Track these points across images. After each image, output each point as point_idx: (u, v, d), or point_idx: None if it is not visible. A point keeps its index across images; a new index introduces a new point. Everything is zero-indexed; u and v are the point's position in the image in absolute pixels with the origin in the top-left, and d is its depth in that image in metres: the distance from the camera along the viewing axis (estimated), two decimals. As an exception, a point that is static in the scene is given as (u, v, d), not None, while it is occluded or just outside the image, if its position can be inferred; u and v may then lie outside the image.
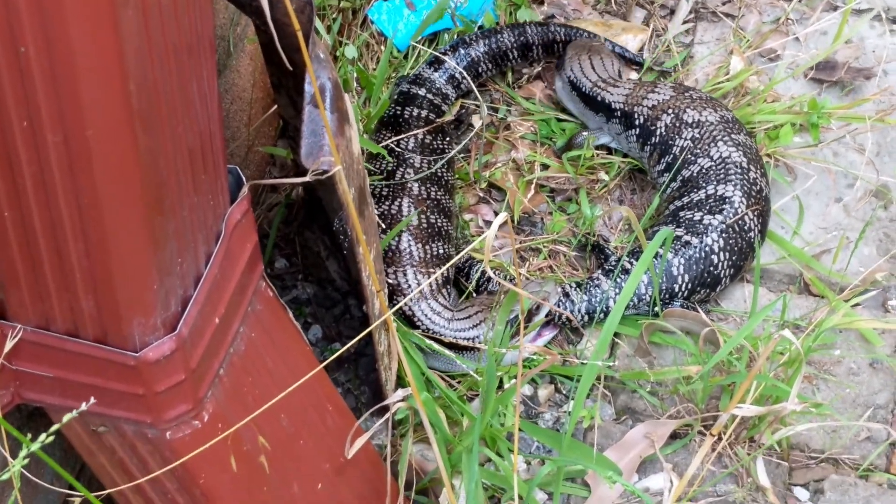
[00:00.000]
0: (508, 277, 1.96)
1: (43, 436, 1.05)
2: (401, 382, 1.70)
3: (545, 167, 2.16)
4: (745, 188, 1.92)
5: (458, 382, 1.83)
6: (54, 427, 1.06)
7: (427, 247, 1.86)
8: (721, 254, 1.89)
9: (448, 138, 2.10)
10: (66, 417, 1.07)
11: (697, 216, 1.91)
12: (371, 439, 1.48)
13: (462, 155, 2.15)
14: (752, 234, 1.92)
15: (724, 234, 1.89)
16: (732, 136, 1.98)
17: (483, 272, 1.92)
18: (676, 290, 1.88)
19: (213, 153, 1.12)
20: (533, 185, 2.13)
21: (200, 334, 1.16)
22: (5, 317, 1.10)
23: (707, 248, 1.88)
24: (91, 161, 0.94)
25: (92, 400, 1.09)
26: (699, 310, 1.87)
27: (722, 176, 1.94)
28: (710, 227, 1.89)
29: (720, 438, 1.70)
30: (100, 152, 0.93)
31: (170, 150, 1.01)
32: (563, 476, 1.45)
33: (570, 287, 1.89)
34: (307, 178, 1.24)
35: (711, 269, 1.89)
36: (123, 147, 0.95)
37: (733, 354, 1.75)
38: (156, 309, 1.08)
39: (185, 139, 1.04)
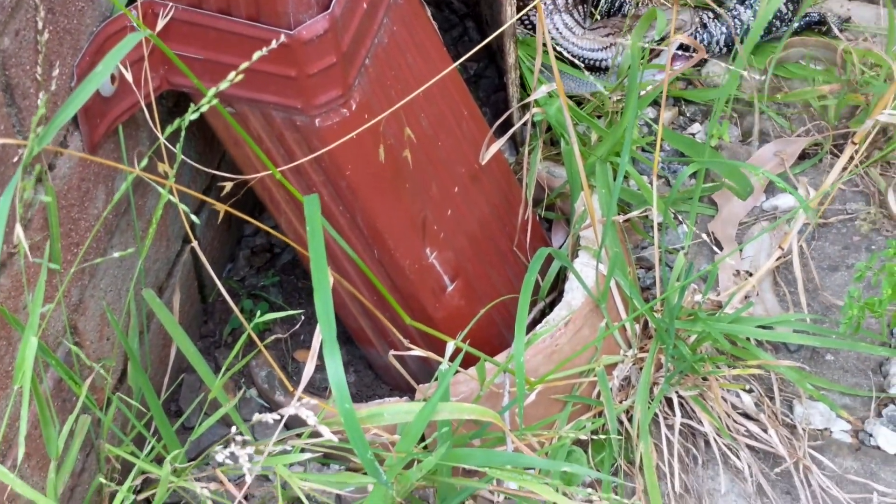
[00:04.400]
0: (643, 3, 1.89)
1: (191, 110, 1.00)
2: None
3: None
4: None
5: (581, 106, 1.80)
6: (204, 101, 1.01)
7: None
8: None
9: None
10: (212, 92, 0.99)
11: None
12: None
13: None
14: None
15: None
16: None
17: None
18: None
19: None
20: None
21: (351, 16, 1.13)
22: (155, -5, 1.08)
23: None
24: None
25: (239, 76, 1.03)
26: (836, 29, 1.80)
27: None
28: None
29: (851, 159, 1.66)
30: None
31: None
32: (700, 190, 1.43)
33: (709, 18, 1.82)
34: None
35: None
36: None
37: (870, 73, 1.69)
38: (310, -15, 1.05)
39: None
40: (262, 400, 1.53)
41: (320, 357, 0.92)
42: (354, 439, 0.91)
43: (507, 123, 1.50)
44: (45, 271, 0.88)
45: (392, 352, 1.24)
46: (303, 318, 1.54)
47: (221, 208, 1.10)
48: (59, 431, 1.06)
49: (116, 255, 1.09)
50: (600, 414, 1.43)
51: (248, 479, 0.82)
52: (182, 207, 1.01)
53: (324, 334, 0.89)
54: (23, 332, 0.93)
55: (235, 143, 1.25)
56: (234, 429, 0.88)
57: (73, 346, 1.10)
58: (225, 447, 0.95)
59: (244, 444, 0.93)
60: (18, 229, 0.76)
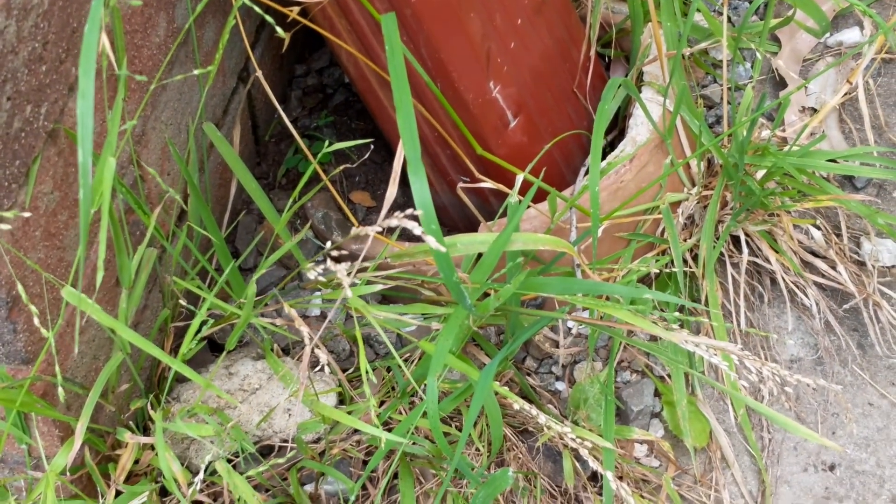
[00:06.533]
0: None
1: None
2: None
3: None
4: None
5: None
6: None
7: None
8: None
9: None
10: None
11: None
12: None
13: None
14: None
15: None
16: None
17: None
18: None
19: None
20: None
21: None
22: None
23: None
24: None
25: None
26: None
27: None
28: None
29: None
30: None
31: None
32: (770, 22, 1.37)
33: None
34: None
35: None
36: None
37: None
38: None
39: None
40: (317, 241, 1.51)
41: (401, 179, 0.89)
42: (440, 261, 0.89)
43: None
44: (124, 87, 0.84)
45: (461, 183, 1.22)
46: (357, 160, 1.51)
47: (285, 36, 1.06)
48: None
49: (178, 77, 1.06)
50: (663, 253, 1.41)
51: (347, 291, 0.80)
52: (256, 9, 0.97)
53: (407, 152, 0.86)
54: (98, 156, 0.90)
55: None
56: (328, 244, 0.86)
57: (137, 175, 1.08)
58: (317, 264, 0.93)
59: (338, 259, 0.90)
60: (104, 40, 0.72)
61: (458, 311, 1.01)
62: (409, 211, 0.82)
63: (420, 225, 0.84)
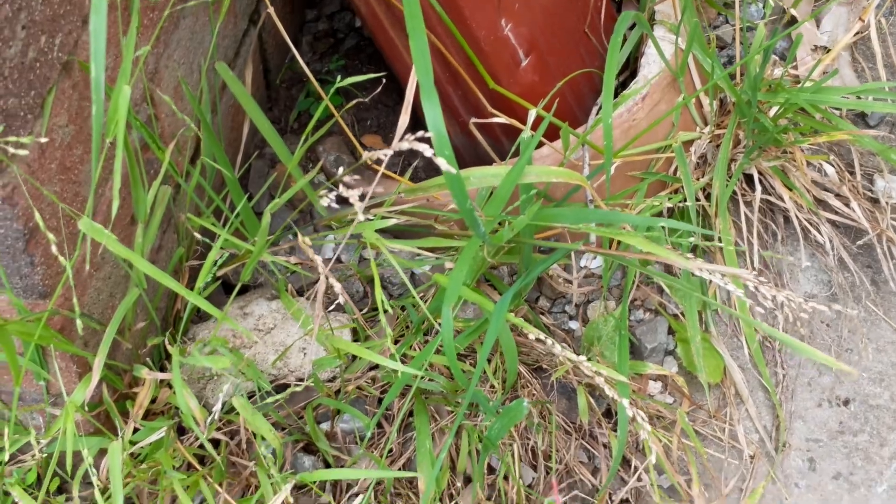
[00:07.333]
0: None
1: None
2: None
3: None
4: None
5: None
6: None
7: None
8: None
9: None
10: None
11: None
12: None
13: None
14: None
15: None
16: None
17: None
18: None
19: None
20: None
21: None
22: None
23: None
24: None
25: None
26: None
27: None
28: None
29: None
30: None
31: None
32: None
33: None
34: None
35: None
36: None
37: None
38: None
39: None
40: (330, 185, 1.52)
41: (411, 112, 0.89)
42: (454, 187, 0.89)
43: None
44: (137, 13, 0.84)
45: (473, 119, 1.21)
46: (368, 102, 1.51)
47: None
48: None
49: (192, 2, 1.05)
50: (676, 192, 1.41)
51: (360, 216, 0.80)
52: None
53: (420, 78, 0.86)
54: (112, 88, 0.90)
55: None
56: (340, 170, 0.86)
57: (151, 114, 1.08)
58: (329, 191, 0.93)
59: (349, 186, 0.91)
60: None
61: (473, 242, 1.01)
62: (420, 133, 0.82)
63: (432, 149, 0.84)
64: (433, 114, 0.86)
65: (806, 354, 0.94)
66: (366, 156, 0.84)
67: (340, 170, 0.92)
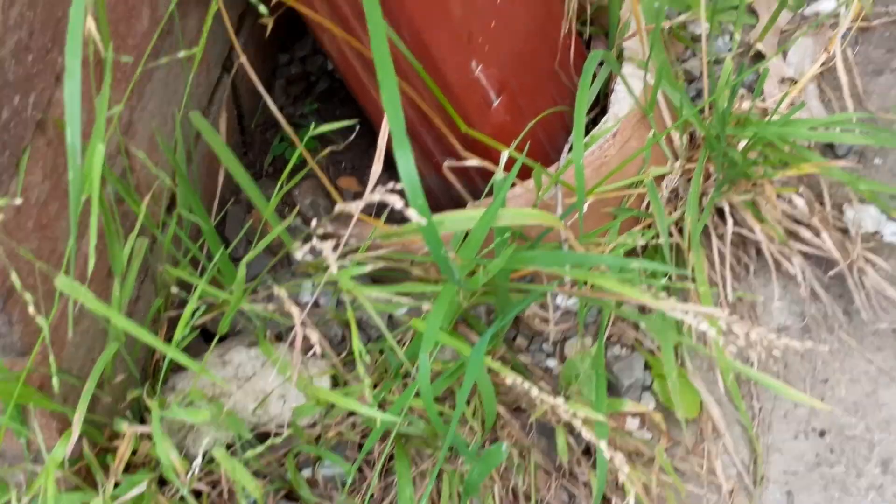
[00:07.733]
0: None
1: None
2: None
3: None
4: None
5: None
6: None
7: None
8: None
9: None
10: None
11: None
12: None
13: None
14: None
15: None
16: None
17: None
18: None
19: None
20: None
21: None
22: None
23: None
24: None
25: None
26: None
27: None
28: None
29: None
30: None
31: None
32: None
33: None
34: None
35: None
36: None
37: None
38: None
39: None
40: (306, 229, 1.52)
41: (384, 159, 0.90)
42: (428, 235, 0.90)
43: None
44: (110, 71, 0.85)
45: (447, 163, 1.23)
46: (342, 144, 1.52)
47: (268, 21, 1.07)
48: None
49: (164, 59, 1.06)
50: (649, 227, 1.42)
51: (334, 268, 0.81)
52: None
53: (392, 126, 0.87)
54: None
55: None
56: (313, 222, 0.87)
57: (126, 166, 1.08)
58: (304, 242, 0.94)
59: (324, 237, 0.91)
60: (90, 22, 0.73)
61: (448, 287, 1.02)
62: (392, 184, 0.83)
63: (405, 200, 0.85)
64: (406, 165, 0.87)
65: (780, 392, 0.95)
66: (338, 208, 0.85)
67: (314, 221, 0.93)
